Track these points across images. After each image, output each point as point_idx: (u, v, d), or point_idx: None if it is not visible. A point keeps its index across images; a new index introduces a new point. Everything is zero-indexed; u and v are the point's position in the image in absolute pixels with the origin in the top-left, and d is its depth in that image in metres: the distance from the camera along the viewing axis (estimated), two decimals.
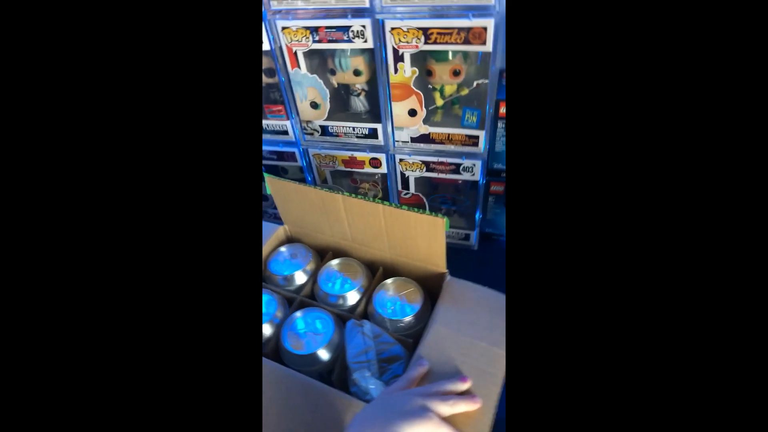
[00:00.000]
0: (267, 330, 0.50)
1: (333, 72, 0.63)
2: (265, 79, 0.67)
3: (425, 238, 0.48)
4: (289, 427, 0.37)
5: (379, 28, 0.53)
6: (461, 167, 0.65)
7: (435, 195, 0.76)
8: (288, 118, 0.68)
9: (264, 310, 0.51)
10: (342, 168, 0.72)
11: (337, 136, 0.68)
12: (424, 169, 0.67)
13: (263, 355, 0.45)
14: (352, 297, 0.52)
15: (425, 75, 0.59)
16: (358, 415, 0.34)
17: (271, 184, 0.55)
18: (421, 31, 0.52)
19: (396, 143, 0.66)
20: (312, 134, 0.69)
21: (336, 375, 0.46)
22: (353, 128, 0.66)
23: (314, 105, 0.65)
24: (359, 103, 0.67)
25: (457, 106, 0.64)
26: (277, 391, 0.40)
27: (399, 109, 0.61)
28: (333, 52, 0.61)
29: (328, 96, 0.64)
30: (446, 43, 0.53)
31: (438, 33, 0.52)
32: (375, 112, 0.65)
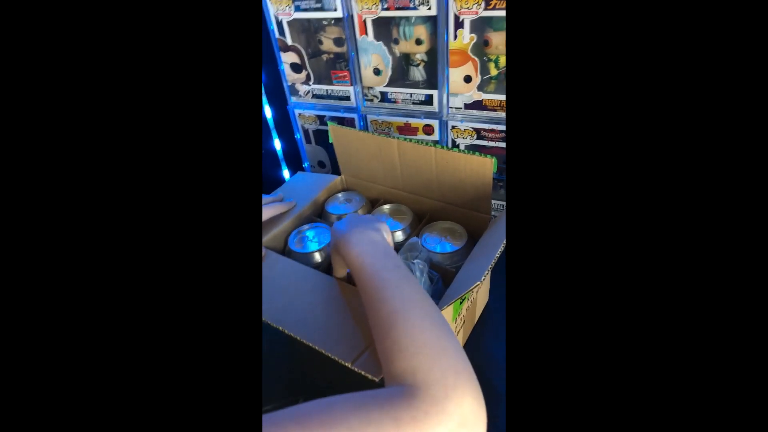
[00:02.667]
0: (322, 257, 0.55)
1: (396, 41, 0.69)
2: (334, 48, 0.74)
3: (473, 180, 0.52)
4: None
5: None
6: None
7: None
8: (351, 85, 0.75)
9: (323, 240, 0.56)
10: (396, 135, 0.77)
11: (394, 102, 0.73)
12: (475, 136, 0.71)
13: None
14: (398, 237, 0.57)
15: (482, 45, 0.63)
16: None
17: (334, 132, 0.61)
18: None
19: (450, 110, 0.70)
20: (372, 100, 0.75)
21: None
22: (410, 94, 0.71)
23: (377, 71, 0.71)
24: (418, 73, 0.73)
25: None
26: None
27: (455, 75, 0.66)
28: (398, 21, 0.67)
29: (391, 63, 0.69)
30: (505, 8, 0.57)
31: None
32: (432, 81, 0.70)
